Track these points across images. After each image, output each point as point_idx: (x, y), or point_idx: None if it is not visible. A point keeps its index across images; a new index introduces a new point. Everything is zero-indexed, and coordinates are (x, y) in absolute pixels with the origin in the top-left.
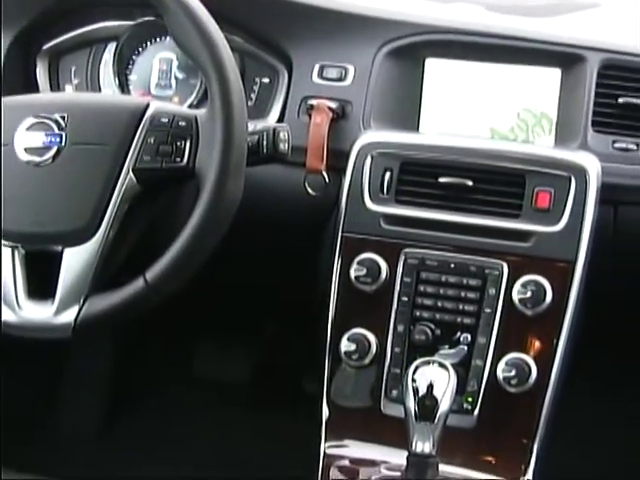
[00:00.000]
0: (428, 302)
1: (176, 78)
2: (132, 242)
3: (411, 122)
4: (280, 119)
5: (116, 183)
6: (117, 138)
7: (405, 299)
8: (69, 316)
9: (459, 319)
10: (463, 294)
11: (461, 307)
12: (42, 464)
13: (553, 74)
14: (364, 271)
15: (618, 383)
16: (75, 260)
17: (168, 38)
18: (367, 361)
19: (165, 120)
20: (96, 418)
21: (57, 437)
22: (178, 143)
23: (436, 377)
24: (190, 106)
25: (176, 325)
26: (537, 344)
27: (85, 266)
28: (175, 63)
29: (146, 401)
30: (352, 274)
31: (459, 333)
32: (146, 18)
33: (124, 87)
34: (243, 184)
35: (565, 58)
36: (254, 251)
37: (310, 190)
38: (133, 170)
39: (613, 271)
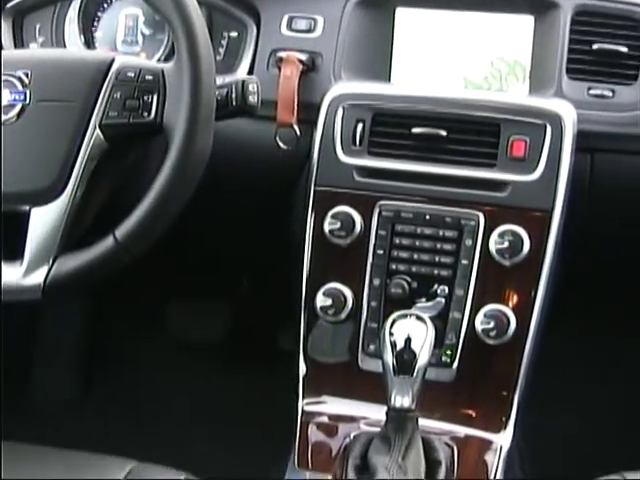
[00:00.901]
0: (404, 255)
1: (142, 34)
2: (101, 200)
3: (382, 73)
4: (249, 73)
5: (83, 140)
6: (82, 94)
7: (380, 252)
8: (38, 277)
9: (436, 271)
10: (439, 246)
11: (437, 259)
12: (19, 430)
13: (526, 22)
14: (338, 225)
15: (595, 333)
16: (43, 220)
17: None
18: (343, 316)
19: (131, 74)
20: (71, 381)
21: (33, 402)
22: (145, 97)
23: (414, 330)
24: (158, 62)
25: (149, 285)
26: (515, 295)
27: (53, 225)
28: (141, 19)
29: (121, 362)
30: (326, 228)
31: (436, 285)
32: None
33: (90, 44)
34: (212, 138)
35: (538, 5)
36: (225, 208)
37: (281, 144)
38: (100, 126)
39: (590, 219)
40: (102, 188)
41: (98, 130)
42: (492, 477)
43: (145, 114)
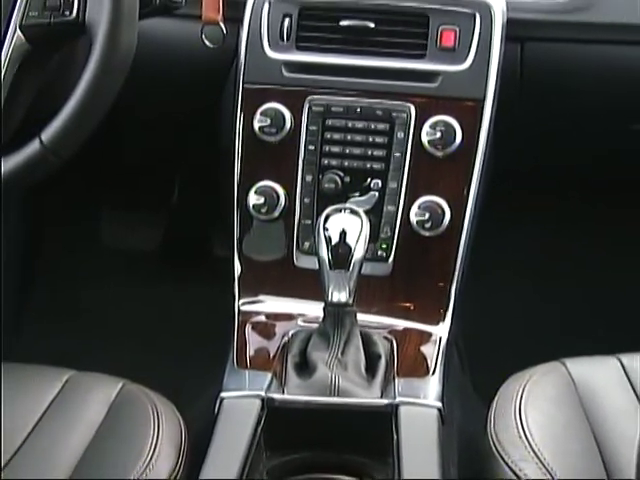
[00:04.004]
0: (336, 149)
1: None
2: (25, 105)
3: None
4: None
5: (3, 42)
6: None
7: (312, 148)
8: None
9: (368, 165)
10: (371, 139)
11: (370, 152)
12: None
13: None
14: (268, 121)
15: (528, 221)
16: None
17: None
18: (276, 214)
19: None
20: (5, 293)
21: None
22: None
23: (348, 224)
24: None
25: (82, 195)
26: (449, 186)
27: None
28: None
29: (56, 274)
30: (256, 125)
31: (369, 179)
32: None
33: None
34: (136, 36)
35: None
36: (153, 111)
37: (208, 43)
38: (20, 27)
39: (521, 108)
40: (26, 92)
41: (19, 31)
42: (431, 369)
43: (67, 13)
